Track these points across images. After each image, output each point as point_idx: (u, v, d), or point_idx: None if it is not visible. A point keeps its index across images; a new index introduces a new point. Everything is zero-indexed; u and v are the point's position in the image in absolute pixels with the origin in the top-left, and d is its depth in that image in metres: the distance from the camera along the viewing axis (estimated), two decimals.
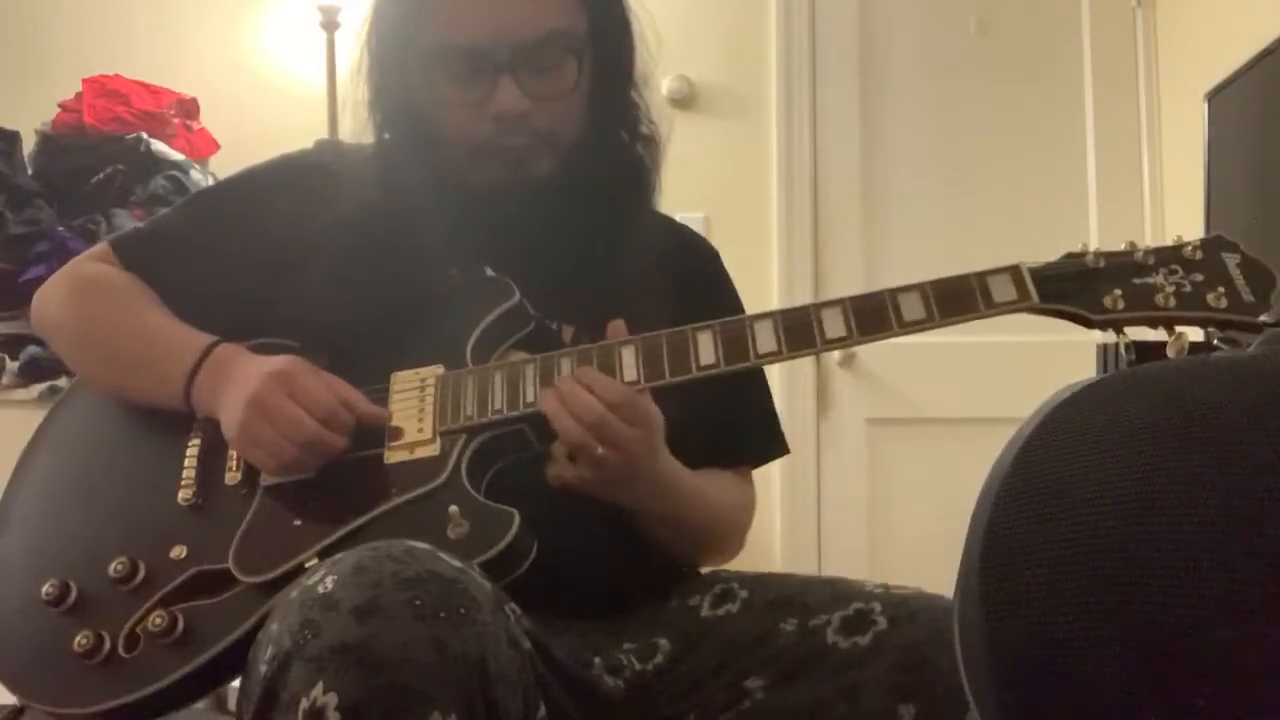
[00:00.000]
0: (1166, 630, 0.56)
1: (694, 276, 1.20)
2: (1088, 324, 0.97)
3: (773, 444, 1.26)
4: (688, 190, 2.76)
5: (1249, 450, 0.59)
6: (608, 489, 1.00)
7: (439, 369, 1.05)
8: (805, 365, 3.00)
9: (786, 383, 2.96)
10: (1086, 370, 1.82)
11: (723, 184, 3.00)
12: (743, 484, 1.21)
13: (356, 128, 1.16)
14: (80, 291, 1.16)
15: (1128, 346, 0.98)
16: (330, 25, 2.74)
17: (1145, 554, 0.58)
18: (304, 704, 0.73)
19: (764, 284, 2.96)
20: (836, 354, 2.99)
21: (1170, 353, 0.94)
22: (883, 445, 3.00)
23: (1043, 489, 0.63)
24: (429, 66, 1.08)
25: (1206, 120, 2.24)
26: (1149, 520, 0.58)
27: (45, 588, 1.01)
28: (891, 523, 2.96)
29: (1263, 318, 0.91)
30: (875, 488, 2.98)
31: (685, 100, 3.03)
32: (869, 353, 3.00)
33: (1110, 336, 0.99)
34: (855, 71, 3.08)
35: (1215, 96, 2.22)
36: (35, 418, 1.20)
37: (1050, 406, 0.66)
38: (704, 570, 1.16)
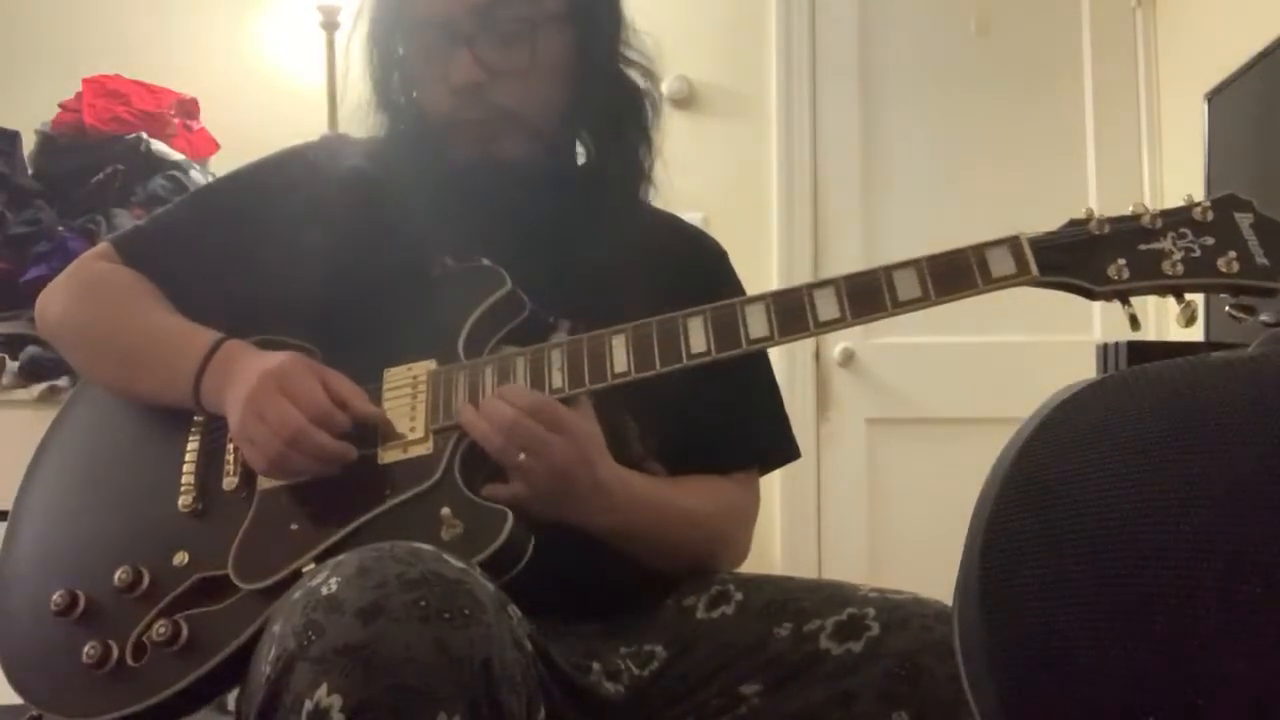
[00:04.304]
0: (1166, 630, 0.57)
1: (697, 274, 1.19)
2: (1091, 296, 0.93)
3: (783, 447, 1.24)
4: (688, 190, 2.75)
5: (1248, 450, 0.59)
6: (546, 505, 0.98)
7: (431, 364, 1.04)
8: (805, 365, 3.00)
9: (786, 383, 2.94)
10: (1086, 370, 1.82)
11: (723, 184, 3.00)
12: (741, 490, 1.19)
13: (353, 119, 1.16)
14: (84, 293, 1.16)
15: (1132, 319, 0.94)
16: (330, 25, 2.74)
17: (1144, 553, 0.58)
18: (308, 705, 0.73)
19: (764, 284, 2.94)
20: (836, 354, 2.99)
21: (1179, 323, 0.91)
22: (883, 445, 3.00)
23: (1043, 489, 0.63)
24: (411, 45, 1.10)
25: (1206, 120, 2.24)
26: (1148, 520, 0.59)
27: (54, 598, 1.01)
28: (891, 523, 2.96)
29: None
30: (875, 488, 2.99)
31: (685, 100, 3.03)
32: (869, 353, 3.00)
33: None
34: (855, 71, 3.08)
35: (1215, 96, 2.22)
36: (35, 417, 1.20)
37: (1050, 406, 0.66)
38: None
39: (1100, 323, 2.84)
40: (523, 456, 0.96)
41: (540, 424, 0.96)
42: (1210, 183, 2.22)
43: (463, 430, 1.00)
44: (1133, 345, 1.69)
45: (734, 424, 1.16)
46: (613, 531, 1.03)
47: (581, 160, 1.19)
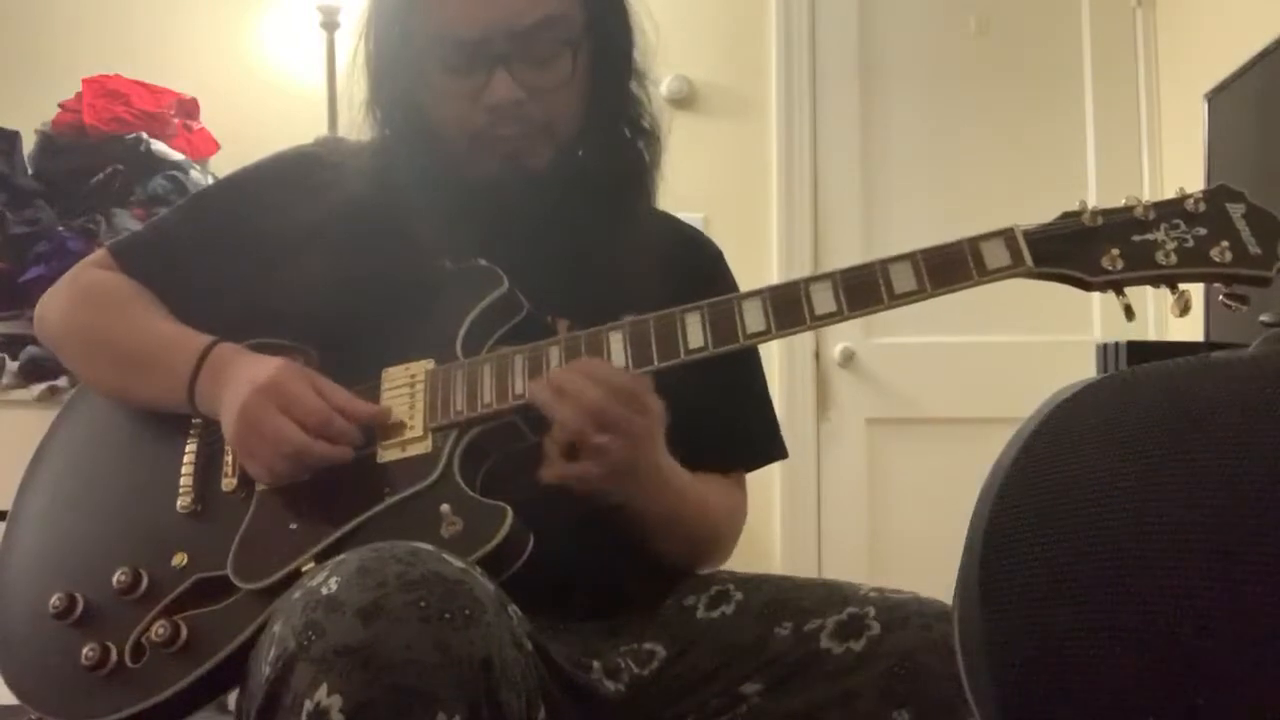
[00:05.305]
0: (1166, 630, 0.57)
1: (695, 275, 1.19)
2: (1086, 286, 0.94)
3: (770, 447, 1.24)
4: (688, 190, 2.75)
5: (1248, 450, 0.59)
6: (612, 483, 0.98)
7: (429, 363, 1.04)
8: (805, 365, 3.00)
9: (786, 383, 2.96)
10: (1086, 370, 1.83)
11: (723, 184, 3.01)
12: (734, 489, 1.19)
13: (354, 122, 1.16)
14: (82, 300, 1.16)
15: (1127, 309, 0.94)
16: (330, 25, 2.75)
17: (1144, 554, 0.58)
18: (308, 705, 0.73)
19: (763, 284, 2.96)
20: (836, 354, 2.99)
21: (1173, 313, 0.92)
22: (883, 445, 3.00)
23: (1043, 489, 0.63)
24: (426, 59, 1.09)
25: (1206, 120, 2.24)
26: (1148, 520, 0.59)
27: (53, 600, 1.01)
28: (891, 523, 2.96)
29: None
30: (875, 488, 2.99)
31: (685, 100, 3.03)
32: (869, 353, 3.00)
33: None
34: (855, 71, 3.09)
35: (1215, 96, 2.23)
36: (35, 418, 1.20)
37: (1050, 406, 0.66)
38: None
39: (1100, 322, 2.84)
40: (600, 437, 0.95)
41: (622, 403, 0.95)
42: (1210, 182, 2.22)
43: (464, 426, 0.99)
44: (1132, 345, 1.70)
45: (726, 425, 1.17)
46: (659, 515, 1.04)
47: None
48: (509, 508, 0.92)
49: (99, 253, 1.20)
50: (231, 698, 0.92)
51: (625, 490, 1.00)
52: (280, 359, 1.04)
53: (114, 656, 0.97)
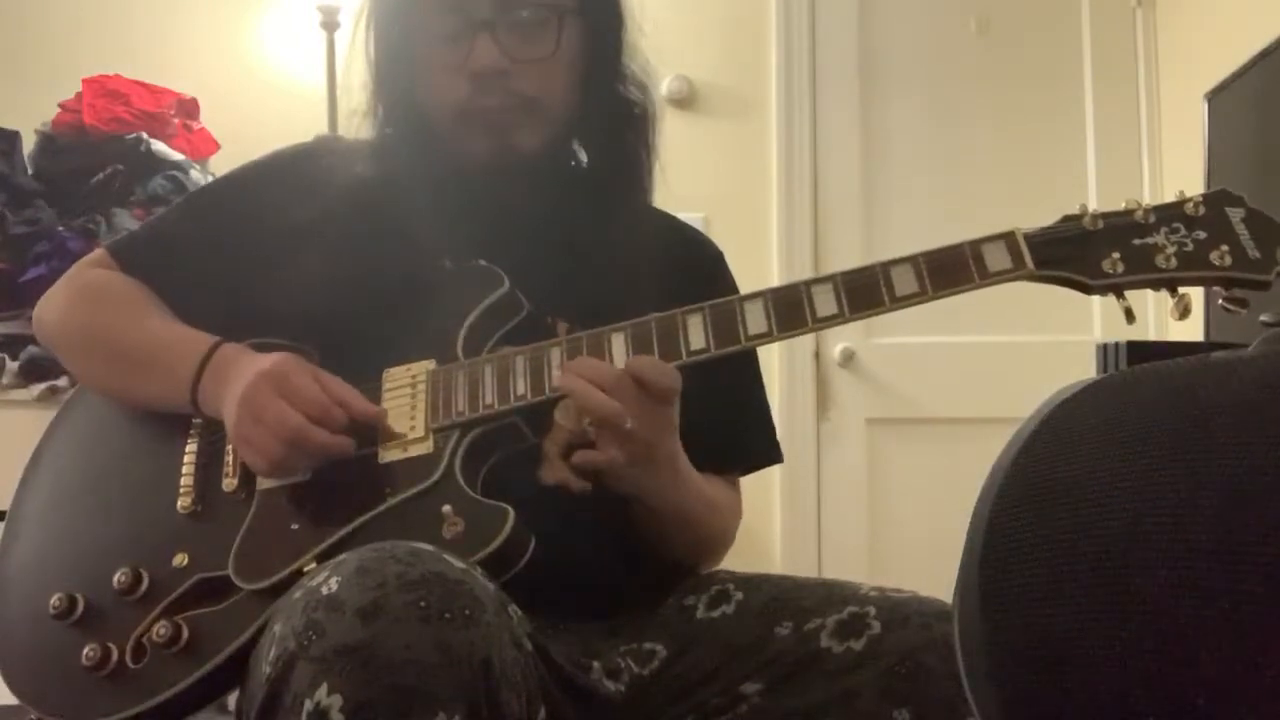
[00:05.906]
0: (1166, 630, 0.57)
1: (695, 275, 1.19)
2: (1086, 290, 0.94)
3: (767, 451, 1.24)
4: (688, 190, 2.76)
5: (1249, 450, 0.59)
6: (635, 473, 0.98)
7: (430, 364, 1.04)
8: (805, 365, 3.00)
9: (786, 383, 2.96)
10: (1086, 370, 1.83)
11: (723, 184, 3.01)
12: (731, 490, 1.20)
13: (354, 123, 1.16)
14: (80, 300, 1.16)
15: (1127, 312, 0.95)
16: (330, 25, 2.75)
17: (1145, 554, 0.58)
18: (308, 705, 0.73)
19: (764, 285, 2.95)
20: (836, 354, 2.99)
21: (1173, 316, 0.93)
22: (883, 445, 3.00)
23: (1043, 489, 0.63)
24: (418, 32, 1.09)
25: (1206, 120, 2.24)
26: (1148, 520, 0.59)
27: (53, 600, 1.01)
28: (891, 523, 2.96)
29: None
30: (875, 488, 2.99)
31: (685, 100, 3.03)
32: (869, 353, 3.00)
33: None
34: (855, 71, 3.09)
35: (1215, 96, 2.23)
36: (35, 418, 1.20)
37: (1050, 406, 0.66)
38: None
39: (1100, 323, 2.84)
40: (631, 423, 0.95)
41: (645, 389, 0.95)
42: (1210, 182, 2.22)
43: (465, 427, 0.99)
44: (1132, 345, 1.69)
45: (724, 428, 1.17)
46: (669, 508, 1.04)
47: (582, 162, 1.19)
48: (510, 509, 0.92)
49: (97, 252, 1.20)
50: (232, 698, 0.92)
51: (642, 481, 1.00)
52: (282, 353, 1.04)
53: (115, 657, 0.97)
